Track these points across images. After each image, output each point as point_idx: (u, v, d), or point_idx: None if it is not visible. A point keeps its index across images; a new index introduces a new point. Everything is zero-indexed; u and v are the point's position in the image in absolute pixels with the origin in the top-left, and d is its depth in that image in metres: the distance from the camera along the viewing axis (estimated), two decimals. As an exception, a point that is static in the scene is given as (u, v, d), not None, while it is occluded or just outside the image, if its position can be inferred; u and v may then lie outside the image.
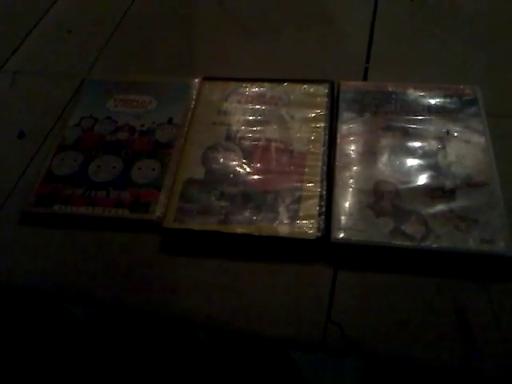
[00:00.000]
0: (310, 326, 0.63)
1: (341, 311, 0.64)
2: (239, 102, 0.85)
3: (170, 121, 0.85)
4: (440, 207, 0.68)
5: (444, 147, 0.74)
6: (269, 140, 0.79)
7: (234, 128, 0.81)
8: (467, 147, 0.74)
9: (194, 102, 0.87)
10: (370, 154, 0.75)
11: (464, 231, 0.65)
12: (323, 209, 0.70)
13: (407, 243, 0.66)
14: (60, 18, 1.11)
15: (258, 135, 0.80)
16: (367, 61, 0.91)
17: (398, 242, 0.66)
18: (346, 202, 0.71)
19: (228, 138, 0.80)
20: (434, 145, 0.75)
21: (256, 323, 0.65)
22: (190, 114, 0.85)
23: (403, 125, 0.78)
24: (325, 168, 0.74)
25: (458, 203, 0.68)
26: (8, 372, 0.63)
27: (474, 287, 0.64)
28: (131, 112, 0.87)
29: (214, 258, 0.70)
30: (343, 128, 0.79)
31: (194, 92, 0.88)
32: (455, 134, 0.75)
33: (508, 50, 0.90)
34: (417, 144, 0.75)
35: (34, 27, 1.09)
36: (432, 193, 0.70)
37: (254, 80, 0.88)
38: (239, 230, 0.70)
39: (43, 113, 0.91)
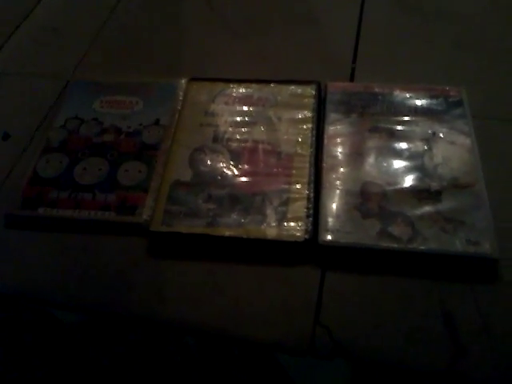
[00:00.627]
0: (298, 329, 0.63)
1: (329, 314, 0.64)
2: (226, 103, 0.85)
3: (156, 122, 0.84)
4: (426, 209, 0.68)
5: (430, 149, 0.75)
6: (256, 141, 0.79)
7: (222, 129, 0.81)
8: (453, 149, 0.74)
9: (180, 103, 0.86)
10: (356, 156, 0.75)
11: (450, 233, 0.66)
12: (311, 211, 0.70)
13: (394, 245, 0.66)
14: (45, 17, 1.09)
15: (245, 137, 0.80)
16: (354, 61, 0.92)
17: (385, 243, 0.66)
18: (333, 203, 0.71)
19: (215, 139, 0.80)
20: (420, 146, 0.75)
21: (244, 327, 0.64)
22: (176, 116, 0.84)
23: (390, 126, 0.78)
24: (312, 170, 0.74)
25: (445, 205, 0.68)
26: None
27: (460, 289, 0.64)
28: (117, 113, 0.86)
29: (201, 260, 0.70)
30: (330, 129, 0.79)
31: (181, 93, 0.88)
32: (441, 135, 0.76)
33: (494, 52, 0.90)
34: (403, 145, 0.76)
35: (19, 26, 1.07)
36: (418, 194, 0.70)
37: (241, 81, 0.87)
38: (227, 233, 0.70)
39: (28, 114, 0.90)
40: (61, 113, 0.88)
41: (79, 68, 0.98)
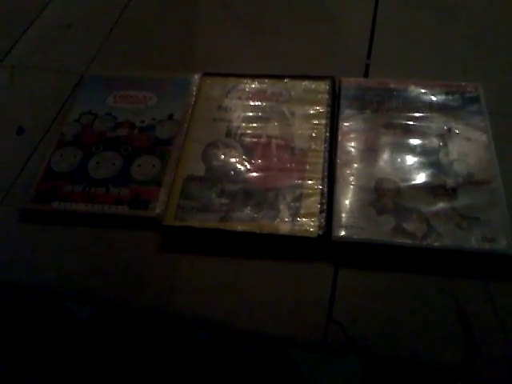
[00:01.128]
0: (311, 324, 0.63)
1: (342, 310, 0.64)
2: (240, 98, 0.85)
3: (170, 117, 0.84)
4: (442, 205, 0.67)
5: (446, 145, 0.74)
6: (269, 137, 0.79)
7: (235, 124, 0.81)
8: (469, 145, 0.73)
9: (194, 98, 0.86)
10: (371, 152, 0.75)
11: (466, 229, 0.65)
12: (324, 206, 0.70)
13: (408, 241, 0.65)
14: (59, 13, 1.10)
15: (258, 132, 0.79)
16: (368, 57, 0.91)
17: (400, 240, 0.66)
18: (347, 199, 0.70)
19: (228, 134, 0.80)
20: (435, 142, 0.74)
21: (256, 322, 0.64)
22: (190, 111, 0.84)
23: (404, 122, 0.77)
24: (326, 165, 0.74)
25: (460, 201, 0.68)
26: (7, 371, 0.62)
27: (475, 286, 0.63)
28: (131, 108, 0.86)
29: (214, 255, 0.70)
30: (344, 125, 0.78)
31: (195, 88, 0.88)
32: (457, 131, 0.75)
33: (510, 47, 0.89)
34: (418, 141, 0.75)
35: (33, 22, 1.08)
36: (434, 191, 0.69)
37: (254, 76, 0.87)
38: (240, 228, 0.70)
39: (42, 108, 0.90)
40: (75, 107, 0.88)
41: (93, 63, 0.98)
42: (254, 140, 0.78)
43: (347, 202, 0.70)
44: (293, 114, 0.81)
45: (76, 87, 0.93)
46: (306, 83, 0.85)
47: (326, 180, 0.72)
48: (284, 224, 0.69)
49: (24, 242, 0.75)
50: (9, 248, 0.75)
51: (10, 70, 0.99)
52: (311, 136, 0.78)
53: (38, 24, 1.08)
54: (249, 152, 0.77)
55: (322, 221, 0.68)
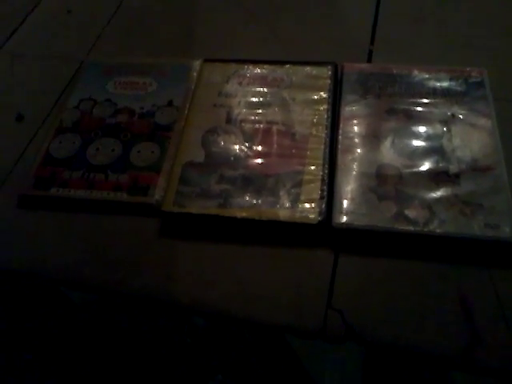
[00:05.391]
0: (310, 312, 0.62)
1: (342, 297, 0.63)
2: (240, 84, 0.84)
3: (170, 103, 0.83)
4: (444, 192, 0.66)
5: (449, 130, 0.73)
6: (270, 123, 0.78)
7: (235, 110, 0.80)
8: (473, 131, 0.72)
9: (194, 85, 0.85)
10: (373, 138, 0.74)
11: (469, 216, 0.64)
12: (325, 193, 0.69)
13: (410, 228, 0.64)
14: (56, 1, 1.09)
15: (259, 118, 0.78)
16: (371, 43, 0.89)
17: (401, 226, 0.64)
18: (348, 185, 0.69)
19: (229, 120, 0.79)
20: (438, 128, 0.73)
21: (255, 309, 0.64)
22: (190, 97, 0.83)
23: (407, 107, 0.76)
24: (327, 151, 0.73)
25: (463, 188, 0.66)
26: (6, 357, 0.62)
27: (478, 274, 0.62)
28: (131, 94, 0.86)
29: (213, 242, 0.69)
30: (346, 110, 0.77)
31: (195, 74, 0.87)
32: (461, 117, 0.74)
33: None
34: (421, 127, 0.74)
35: (34, 8, 1.07)
36: (436, 177, 0.68)
37: (255, 62, 0.86)
38: (239, 214, 0.69)
39: (42, 95, 0.90)
40: (74, 94, 0.87)
41: (93, 50, 0.97)
42: (255, 126, 0.77)
43: (348, 188, 0.69)
44: (294, 99, 0.80)
45: (76, 74, 0.92)
46: (307, 69, 0.84)
47: (326, 166, 0.71)
48: (284, 210, 0.68)
49: (23, 228, 0.75)
50: (7, 234, 0.74)
51: (11, 57, 0.98)
52: (312, 122, 0.77)
53: (38, 10, 1.07)
54: (249, 138, 0.76)
55: (323, 207, 0.67)
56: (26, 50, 0.99)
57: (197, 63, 0.88)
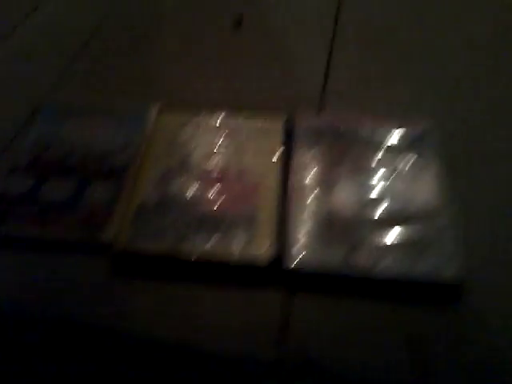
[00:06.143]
0: (263, 349, 0.63)
1: (295, 335, 0.64)
2: (197, 130, 0.86)
3: (126, 145, 0.84)
4: (391, 236, 0.69)
5: (397, 178, 0.76)
6: (223, 168, 0.80)
7: (190, 155, 0.82)
8: (419, 178, 0.76)
9: (151, 129, 0.87)
10: (323, 185, 0.76)
11: (415, 260, 0.66)
12: (276, 236, 0.70)
13: (358, 271, 0.66)
14: (22, 40, 1.10)
15: (213, 163, 0.80)
16: (322, 95, 0.93)
17: (349, 270, 0.66)
18: (298, 230, 0.71)
19: (183, 164, 0.80)
20: (387, 176, 0.77)
21: (208, 347, 0.64)
22: (146, 140, 0.85)
23: (356, 157, 0.80)
24: (279, 196, 0.75)
25: (410, 232, 0.69)
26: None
27: (426, 313, 0.64)
28: (88, 135, 0.86)
29: (165, 281, 0.69)
30: (297, 159, 0.80)
31: (153, 118, 0.88)
32: (407, 165, 0.77)
33: (464, 86, 0.93)
34: (370, 175, 0.77)
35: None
36: (384, 222, 0.71)
37: (212, 110, 0.89)
38: (191, 256, 0.69)
39: (-2, 133, 0.90)
40: (31, 133, 0.87)
41: (52, 91, 0.98)
42: (208, 170, 0.79)
43: (299, 232, 0.71)
44: (247, 148, 0.83)
45: (33, 114, 0.92)
46: (261, 118, 0.87)
47: (278, 210, 0.73)
48: (235, 252, 0.69)
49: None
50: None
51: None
52: (265, 168, 0.79)
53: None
54: (202, 182, 0.78)
55: (273, 250, 0.69)
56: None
57: (155, 108, 0.90)
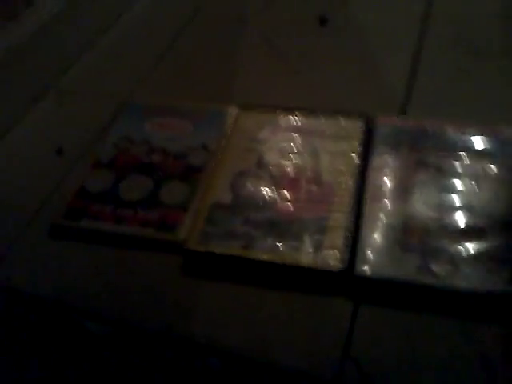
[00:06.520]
0: (326, 359, 0.61)
1: (360, 347, 0.61)
2: (273, 131, 0.85)
3: (204, 146, 0.86)
4: (470, 246, 0.65)
5: (478, 186, 0.72)
6: (299, 169, 0.79)
7: (266, 156, 0.81)
8: (501, 188, 0.71)
9: (229, 130, 0.87)
10: (401, 189, 0.74)
11: (494, 272, 0.62)
12: (349, 241, 0.68)
13: (433, 281, 0.63)
14: (111, 42, 1.15)
15: (288, 164, 0.79)
16: (406, 97, 0.90)
17: (424, 279, 0.63)
18: (372, 235, 0.69)
19: (259, 165, 0.80)
20: (468, 183, 0.72)
21: (271, 353, 0.63)
22: (224, 141, 0.85)
23: (438, 162, 0.76)
24: (354, 200, 0.73)
25: (489, 243, 0.65)
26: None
27: (501, 332, 0.60)
28: (167, 135, 0.88)
29: (234, 283, 0.69)
30: (376, 161, 0.77)
31: (230, 120, 0.89)
32: (491, 173, 0.73)
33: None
34: (451, 182, 0.73)
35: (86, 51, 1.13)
36: (463, 232, 0.67)
37: (289, 111, 0.88)
38: (262, 257, 0.69)
39: (83, 131, 0.94)
40: (113, 132, 0.91)
41: (136, 90, 1.01)
42: (284, 172, 0.79)
43: (372, 238, 0.68)
44: (325, 149, 0.81)
45: (117, 113, 0.95)
46: (340, 120, 0.85)
47: (352, 214, 0.71)
48: (306, 256, 0.68)
49: (51, 257, 0.76)
50: (36, 262, 0.76)
51: (59, 94, 1.03)
52: (341, 171, 0.77)
53: (90, 52, 1.13)
54: (277, 183, 0.77)
55: (346, 255, 0.67)
56: (75, 89, 1.04)
57: (233, 110, 0.91)
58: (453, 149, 0.78)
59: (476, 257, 0.64)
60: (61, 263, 0.75)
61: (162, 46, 1.12)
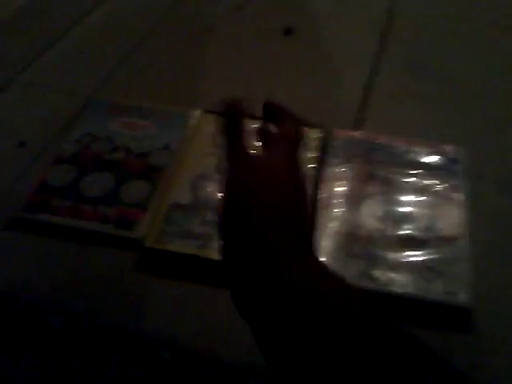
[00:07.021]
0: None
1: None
2: (234, 136, 0.88)
3: (166, 147, 0.88)
4: (410, 256, 0.70)
5: (422, 200, 0.77)
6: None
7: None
8: (443, 203, 0.77)
9: (191, 132, 0.90)
10: (351, 199, 0.78)
11: (429, 281, 0.67)
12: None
13: (373, 286, 0.68)
14: (80, 37, 1.16)
15: (247, 169, 0.83)
16: (361, 112, 0.95)
17: (365, 284, 0.68)
18: (320, 241, 0.73)
19: (218, 169, 0.83)
20: (412, 197, 0.78)
21: (219, 349, 0.66)
22: (186, 143, 0.88)
23: (386, 175, 0.81)
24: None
25: (428, 254, 0.70)
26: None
27: (435, 337, 0.65)
28: (131, 135, 0.91)
29: (188, 281, 0.72)
30: (328, 172, 0.82)
31: (194, 122, 0.92)
32: (434, 189, 0.78)
33: (491, 116, 0.94)
34: (396, 194, 0.78)
35: (53, 45, 1.14)
36: (404, 242, 0.72)
37: (251, 117, 0.91)
38: (216, 256, 0.72)
39: (46, 126, 0.95)
40: (77, 127, 0.92)
41: (101, 88, 1.03)
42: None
43: (320, 243, 0.73)
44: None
45: (82, 109, 0.97)
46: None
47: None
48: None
49: (6, 250, 0.78)
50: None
51: (23, 87, 1.04)
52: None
53: (56, 47, 1.14)
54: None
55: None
56: (38, 81, 1.05)
57: (196, 113, 0.94)
58: (401, 164, 0.83)
59: (414, 266, 0.69)
60: (18, 257, 0.77)
61: (130, 45, 1.14)
